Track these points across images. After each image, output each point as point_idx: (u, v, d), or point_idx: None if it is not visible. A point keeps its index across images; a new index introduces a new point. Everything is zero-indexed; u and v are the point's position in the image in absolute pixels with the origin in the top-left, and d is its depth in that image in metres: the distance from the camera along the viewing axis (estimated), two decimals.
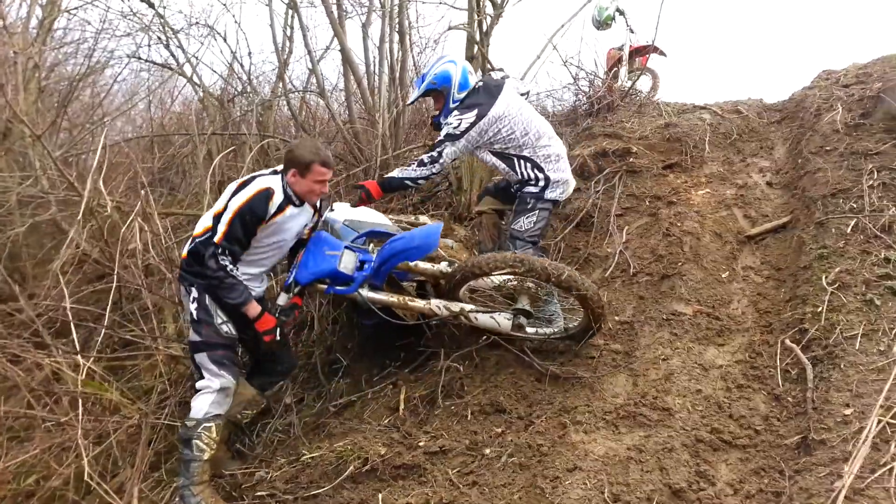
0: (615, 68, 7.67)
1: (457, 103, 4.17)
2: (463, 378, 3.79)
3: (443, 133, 4.12)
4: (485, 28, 5.92)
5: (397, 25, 6.57)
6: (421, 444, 3.39)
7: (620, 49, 7.74)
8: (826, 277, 3.79)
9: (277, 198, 3.48)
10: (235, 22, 7.49)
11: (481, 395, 3.65)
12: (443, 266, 3.85)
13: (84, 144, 6.09)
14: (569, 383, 3.66)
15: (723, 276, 4.38)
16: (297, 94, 7.52)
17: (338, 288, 3.76)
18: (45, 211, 5.04)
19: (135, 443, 3.84)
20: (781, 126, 6.00)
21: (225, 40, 7.60)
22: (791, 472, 2.81)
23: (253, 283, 3.67)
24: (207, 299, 3.53)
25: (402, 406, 3.80)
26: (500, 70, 4.81)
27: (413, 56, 7.15)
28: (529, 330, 3.81)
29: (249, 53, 9.51)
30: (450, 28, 6.97)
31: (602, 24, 7.70)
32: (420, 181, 4.21)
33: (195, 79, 7.33)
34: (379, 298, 3.77)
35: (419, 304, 3.83)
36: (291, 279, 3.71)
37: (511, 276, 3.65)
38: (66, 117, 4.66)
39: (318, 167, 3.51)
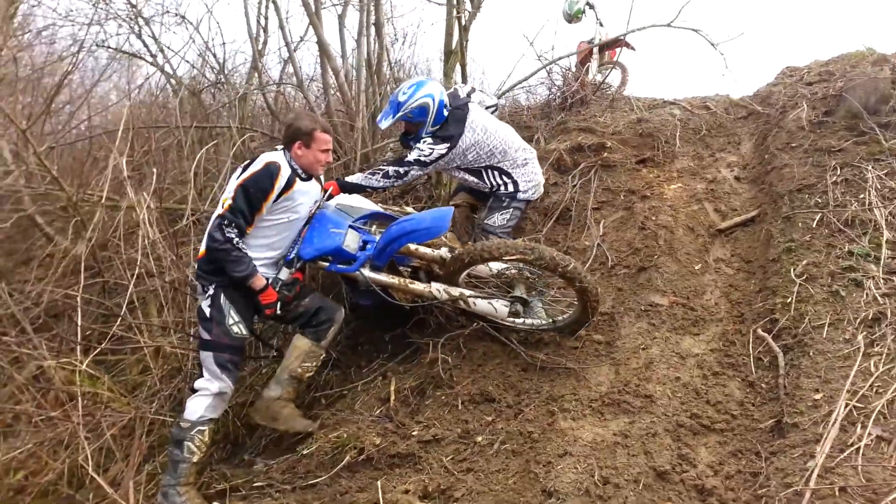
0: (586, 62, 7.79)
1: (430, 134, 4.36)
2: (451, 369, 3.89)
3: (412, 156, 4.32)
4: (464, 22, 5.99)
5: (374, 18, 6.60)
6: (414, 433, 3.49)
7: (591, 42, 7.87)
8: (794, 270, 3.99)
9: (285, 171, 3.57)
10: (208, 11, 7.43)
11: (470, 385, 3.76)
12: (443, 251, 3.95)
13: (57, 136, 6.00)
14: (554, 373, 3.80)
15: (696, 268, 4.57)
16: (274, 86, 7.49)
17: (339, 266, 3.84)
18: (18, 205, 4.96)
19: (127, 437, 3.87)
20: (748, 122, 6.21)
21: (197, 29, 7.56)
22: (767, 454, 3.00)
23: (269, 270, 3.72)
24: (222, 298, 3.57)
25: (392, 397, 3.88)
26: (472, 88, 4.87)
27: (388, 49, 7.18)
28: (519, 320, 3.94)
29: (223, 44, 9.43)
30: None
31: (572, 17, 7.80)
32: (380, 190, 4.45)
33: (168, 69, 7.28)
34: (380, 279, 3.85)
35: (419, 286, 3.92)
36: (294, 254, 3.76)
37: (512, 265, 3.77)
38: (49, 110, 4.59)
39: (320, 134, 3.64)
